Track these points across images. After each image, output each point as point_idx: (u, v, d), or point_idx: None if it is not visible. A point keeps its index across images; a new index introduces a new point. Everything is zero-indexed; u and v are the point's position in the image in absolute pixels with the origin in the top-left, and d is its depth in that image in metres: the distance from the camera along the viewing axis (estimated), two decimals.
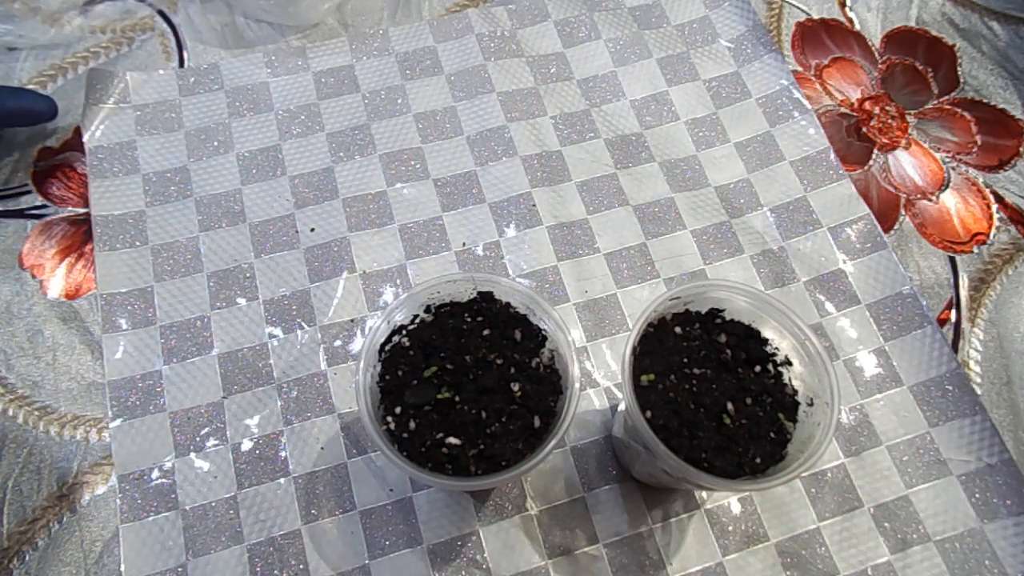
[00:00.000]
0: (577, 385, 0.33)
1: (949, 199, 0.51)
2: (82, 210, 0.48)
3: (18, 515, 0.40)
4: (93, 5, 0.57)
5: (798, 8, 0.59)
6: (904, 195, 0.51)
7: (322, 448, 0.42)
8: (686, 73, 0.55)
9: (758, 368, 0.35)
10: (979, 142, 0.53)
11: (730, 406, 0.33)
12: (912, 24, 0.58)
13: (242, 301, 0.46)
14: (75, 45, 0.55)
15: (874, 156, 0.52)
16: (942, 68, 0.56)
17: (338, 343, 0.45)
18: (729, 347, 0.35)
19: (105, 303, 0.45)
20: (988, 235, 0.50)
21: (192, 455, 0.41)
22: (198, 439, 0.42)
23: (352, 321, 0.45)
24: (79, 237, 0.48)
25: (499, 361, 0.34)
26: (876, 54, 0.57)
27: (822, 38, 0.58)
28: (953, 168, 0.52)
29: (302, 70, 0.54)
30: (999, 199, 0.51)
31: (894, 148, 0.53)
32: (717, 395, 0.33)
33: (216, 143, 0.51)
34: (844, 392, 0.44)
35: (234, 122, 0.52)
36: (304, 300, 0.46)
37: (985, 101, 0.55)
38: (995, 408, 0.44)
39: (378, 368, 0.35)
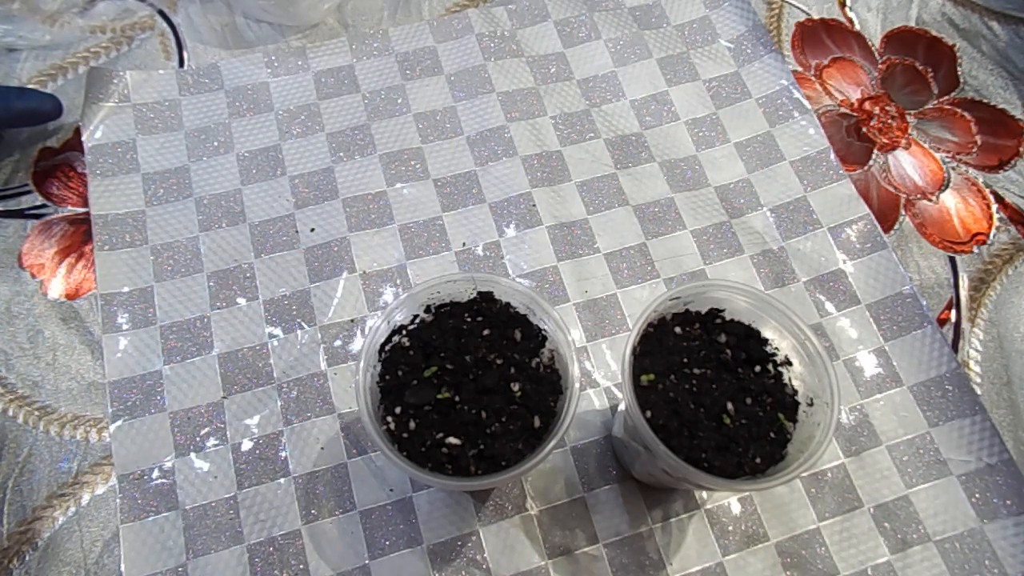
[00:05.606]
0: (577, 385, 0.33)
1: (949, 199, 0.51)
2: (82, 210, 0.48)
3: (18, 515, 0.40)
4: (93, 5, 0.57)
5: (798, 8, 0.59)
6: (904, 195, 0.51)
7: (322, 448, 0.42)
8: (686, 73, 0.55)
9: (758, 368, 0.35)
10: (979, 142, 0.53)
11: (730, 406, 0.33)
12: (912, 24, 0.58)
13: (242, 301, 0.46)
14: (75, 45, 0.55)
15: (874, 156, 0.52)
16: (942, 68, 0.56)
17: (338, 343, 0.45)
18: (729, 347, 0.35)
19: (105, 303, 0.45)
20: (988, 235, 0.50)
21: (192, 455, 0.41)
22: (198, 439, 0.42)
23: (352, 321, 0.45)
24: (79, 237, 0.48)
25: (499, 361, 0.34)
26: (876, 54, 0.57)
27: (822, 38, 0.58)
28: (953, 168, 0.52)
29: (302, 70, 0.54)
30: (999, 199, 0.51)
31: (894, 148, 0.53)
32: (717, 395, 0.33)
33: (216, 143, 0.51)
34: (844, 392, 0.44)
35: (234, 122, 0.52)
36: (304, 300, 0.46)
37: (985, 101, 0.55)
38: (995, 408, 0.44)
39: (378, 368, 0.35)
